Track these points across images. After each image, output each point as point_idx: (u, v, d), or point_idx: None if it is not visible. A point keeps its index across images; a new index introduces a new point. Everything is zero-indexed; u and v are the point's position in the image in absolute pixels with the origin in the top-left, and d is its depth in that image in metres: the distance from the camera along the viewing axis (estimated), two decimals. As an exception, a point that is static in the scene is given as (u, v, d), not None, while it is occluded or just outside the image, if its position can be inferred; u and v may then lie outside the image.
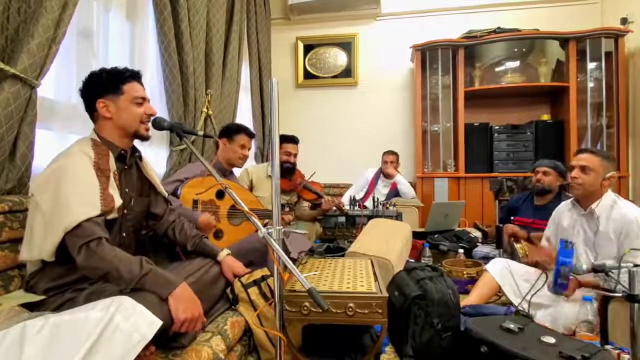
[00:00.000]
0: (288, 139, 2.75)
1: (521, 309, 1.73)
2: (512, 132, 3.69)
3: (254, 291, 1.44)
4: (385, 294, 1.30)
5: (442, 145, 3.85)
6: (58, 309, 1.07)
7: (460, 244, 2.77)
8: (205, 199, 1.91)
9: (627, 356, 1.31)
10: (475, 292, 1.93)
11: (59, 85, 1.65)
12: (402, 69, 4.18)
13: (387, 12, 4.16)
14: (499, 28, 3.64)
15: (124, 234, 1.29)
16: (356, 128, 4.25)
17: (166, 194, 1.52)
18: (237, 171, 2.52)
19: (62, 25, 1.41)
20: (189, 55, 2.36)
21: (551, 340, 1.27)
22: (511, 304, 1.84)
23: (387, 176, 3.54)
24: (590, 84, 3.48)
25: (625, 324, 1.27)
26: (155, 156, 2.26)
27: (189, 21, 2.38)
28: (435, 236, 2.89)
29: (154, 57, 2.27)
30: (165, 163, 2.33)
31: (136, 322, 0.90)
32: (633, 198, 3.30)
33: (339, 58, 4.28)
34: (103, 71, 1.25)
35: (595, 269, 1.39)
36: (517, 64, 3.72)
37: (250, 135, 2.25)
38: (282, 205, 2.60)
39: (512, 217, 2.57)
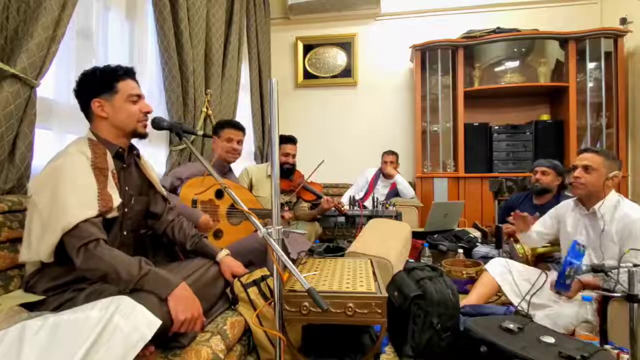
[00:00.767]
0: (286, 140, 2.73)
1: (521, 308, 1.73)
2: (512, 132, 3.69)
3: (253, 291, 1.44)
4: (385, 294, 1.30)
5: (441, 145, 3.85)
6: (57, 309, 1.07)
7: (460, 244, 2.77)
8: (204, 198, 1.91)
9: (626, 356, 1.31)
10: (474, 292, 1.93)
11: (59, 85, 1.64)
12: (402, 69, 4.18)
13: (386, 12, 4.16)
14: (498, 28, 3.64)
15: (125, 233, 1.29)
16: (356, 128, 4.25)
17: (165, 193, 1.52)
18: (237, 171, 2.52)
19: (62, 25, 1.40)
20: (188, 54, 2.35)
21: (551, 340, 1.27)
22: (511, 303, 1.84)
23: (387, 176, 3.54)
24: (590, 84, 3.48)
25: (624, 324, 1.27)
26: (154, 156, 2.26)
27: (188, 21, 2.38)
28: (435, 236, 2.89)
29: (153, 56, 2.27)
30: (165, 163, 2.33)
31: (135, 322, 0.89)
32: (632, 198, 3.30)
33: (338, 58, 4.28)
34: (96, 70, 1.24)
35: (594, 269, 1.39)
36: (516, 64, 3.72)
37: (236, 127, 2.20)
38: (282, 205, 2.60)
39: (509, 216, 2.56)
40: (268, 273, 1.53)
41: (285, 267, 1.12)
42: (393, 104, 4.20)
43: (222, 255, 1.48)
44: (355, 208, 3.01)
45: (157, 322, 0.93)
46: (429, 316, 1.51)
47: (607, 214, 1.68)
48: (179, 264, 1.42)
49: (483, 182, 3.62)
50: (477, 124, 3.74)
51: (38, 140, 1.41)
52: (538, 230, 2.02)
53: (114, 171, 1.22)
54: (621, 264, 1.30)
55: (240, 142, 2.21)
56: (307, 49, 4.32)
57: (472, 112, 3.84)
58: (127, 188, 1.30)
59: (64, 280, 1.12)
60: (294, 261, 1.75)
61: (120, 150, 1.27)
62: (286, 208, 2.49)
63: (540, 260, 2.24)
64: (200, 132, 1.52)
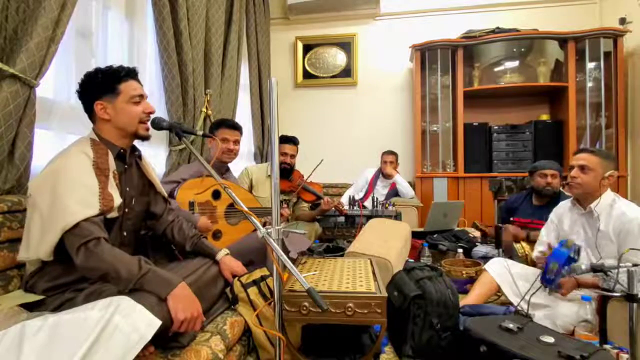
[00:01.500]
0: (285, 140, 2.72)
1: (520, 308, 1.73)
2: (511, 132, 3.69)
3: (253, 291, 1.44)
4: (385, 294, 1.30)
5: (441, 145, 3.85)
6: (57, 309, 1.07)
7: (460, 244, 2.77)
8: (201, 200, 1.91)
9: (625, 356, 1.31)
10: (474, 291, 1.94)
11: (58, 85, 1.64)
12: (401, 68, 4.18)
13: (386, 12, 4.16)
14: (498, 28, 3.64)
15: (125, 233, 1.29)
16: (355, 128, 4.25)
17: (165, 194, 1.52)
18: (237, 171, 2.52)
19: (61, 25, 1.40)
20: (188, 54, 2.35)
21: (550, 339, 1.27)
22: (510, 303, 1.84)
23: (387, 176, 3.54)
24: (589, 84, 3.49)
25: (624, 323, 1.27)
26: (154, 156, 2.26)
27: (188, 20, 2.38)
28: (435, 236, 2.89)
29: (153, 56, 2.27)
30: (165, 163, 2.33)
31: (135, 322, 0.89)
32: (632, 198, 3.30)
33: (338, 58, 4.28)
34: (98, 71, 1.23)
35: (594, 269, 1.39)
36: (516, 64, 3.72)
37: (232, 127, 2.16)
38: (280, 202, 2.60)
39: (511, 218, 2.57)
40: (268, 273, 1.53)
41: (284, 267, 1.12)
42: (392, 103, 4.20)
43: (222, 254, 1.48)
44: (355, 208, 3.01)
45: (156, 322, 0.93)
46: (429, 316, 1.51)
47: (603, 213, 1.69)
48: (179, 264, 1.42)
49: (483, 182, 3.62)
50: (476, 123, 3.75)
51: (37, 140, 1.41)
52: (546, 242, 2.00)
53: (115, 172, 1.22)
54: (620, 264, 1.30)
55: (237, 142, 2.16)
56: (307, 48, 4.32)
57: (472, 112, 3.84)
58: (127, 189, 1.30)
59: (64, 280, 1.12)
60: (293, 261, 1.75)
61: (122, 151, 1.27)
62: (284, 205, 2.49)
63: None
64: (200, 132, 1.51)
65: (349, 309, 1.26)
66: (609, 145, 3.45)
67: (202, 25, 2.55)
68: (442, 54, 3.74)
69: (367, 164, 3.85)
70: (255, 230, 1.10)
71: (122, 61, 1.96)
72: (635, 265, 1.28)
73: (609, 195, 1.72)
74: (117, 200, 1.17)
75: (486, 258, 2.37)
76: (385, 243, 2.22)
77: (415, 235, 2.92)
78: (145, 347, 0.91)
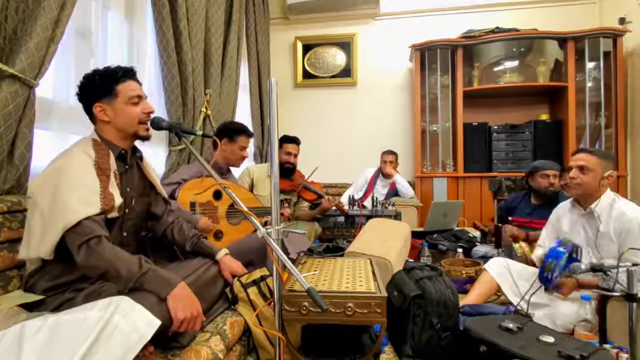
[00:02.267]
0: (289, 140, 2.75)
1: (520, 308, 1.73)
2: (511, 131, 3.69)
3: (253, 291, 1.44)
4: (385, 294, 1.30)
5: (441, 145, 3.86)
6: (57, 309, 1.07)
7: (459, 244, 2.77)
8: (202, 200, 1.91)
9: (625, 355, 1.31)
10: (474, 291, 1.94)
11: (58, 85, 1.64)
12: (401, 68, 4.18)
13: (385, 12, 4.16)
14: (497, 28, 3.64)
15: (125, 234, 1.29)
16: (355, 128, 4.25)
17: (166, 195, 1.52)
18: (237, 170, 2.52)
19: (61, 25, 1.40)
20: (187, 54, 2.35)
21: (550, 339, 1.27)
22: (510, 303, 1.84)
23: (386, 176, 3.55)
24: (589, 84, 3.49)
25: (623, 323, 1.27)
26: (154, 156, 2.26)
27: (187, 20, 2.37)
28: (434, 236, 2.89)
29: (152, 56, 2.27)
30: (164, 163, 2.33)
31: (135, 322, 0.89)
32: (632, 197, 3.31)
33: (337, 58, 4.28)
34: (95, 73, 1.23)
35: (593, 269, 1.39)
36: (515, 63, 3.72)
37: (250, 135, 2.25)
38: (281, 202, 2.60)
39: (509, 217, 2.57)
40: (267, 273, 1.53)
41: (284, 267, 1.12)
42: (392, 103, 4.20)
43: (222, 254, 1.48)
44: (355, 208, 3.01)
45: (156, 322, 0.93)
46: (429, 316, 1.51)
47: (603, 214, 1.69)
48: (179, 264, 1.42)
49: (482, 182, 3.62)
50: (476, 123, 3.75)
51: (37, 140, 1.41)
52: (547, 245, 2.01)
53: (116, 172, 1.22)
54: (620, 263, 1.30)
55: (247, 148, 2.26)
56: (307, 48, 4.32)
57: (471, 111, 3.84)
58: (128, 189, 1.30)
59: (64, 280, 1.12)
60: (293, 261, 1.75)
61: (123, 152, 1.27)
62: (285, 205, 2.49)
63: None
64: (200, 132, 1.51)
65: (349, 309, 1.26)
66: (608, 145, 3.46)
67: (201, 25, 2.55)
68: (441, 53, 3.74)
69: (366, 163, 3.85)
70: (255, 230, 1.10)
71: (121, 61, 1.96)
72: (634, 264, 1.28)
73: (608, 196, 1.72)
74: (118, 200, 1.17)
75: (486, 258, 2.37)
76: (385, 243, 2.22)
77: (415, 235, 2.92)
78: (145, 347, 0.91)
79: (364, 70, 4.23)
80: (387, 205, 3.03)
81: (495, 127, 3.71)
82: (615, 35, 3.38)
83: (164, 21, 2.17)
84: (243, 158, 2.21)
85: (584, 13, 3.78)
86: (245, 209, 1.12)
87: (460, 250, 2.65)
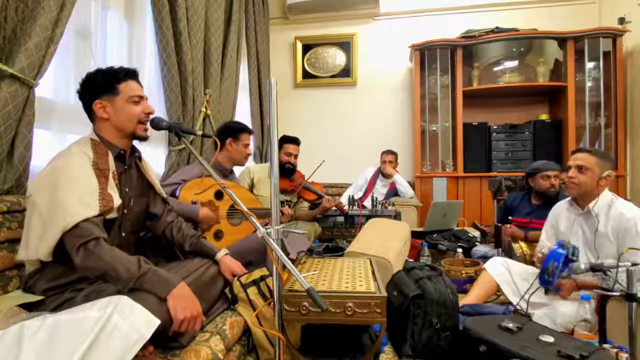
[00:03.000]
0: (290, 140, 2.75)
1: (520, 308, 1.73)
2: (511, 131, 3.70)
3: (252, 291, 1.44)
4: (384, 294, 1.30)
5: (440, 145, 3.86)
6: (56, 309, 1.07)
7: (459, 244, 2.77)
8: (204, 200, 1.91)
9: (625, 355, 1.32)
10: (473, 291, 1.94)
11: (57, 85, 1.64)
12: (401, 68, 4.18)
13: (385, 12, 4.16)
14: (497, 28, 3.65)
15: (123, 234, 1.29)
16: (355, 128, 4.25)
17: (165, 195, 1.52)
18: (237, 170, 2.52)
19: (60, 25, 1.40)
20: (187, 54, 2.35)
21: (550, 339, 1.27)
22: (510, 303, 1.84)
23: (386, 176, 3.55)
24: (589, 84, 3.49)
25: (623, 323, 1.27)
26: (153, 156, 2.26)
27: (187, 20, 2.37)
28: (434, 235, 2.90)
29: (152, 56, 2.27)
30: (164, 163, 2.33)
31: (134, 321, 0.89)
32: (631, 197, 3.31)
33: (337, 58, 4.28)
34: (99, 71, 1.24)
35: (593, 269, 1.39)
36: (515, 63, 3.72)
37: (251, 132, 2.26)
38: (282, 202, 2.60)
39: (509, 217, 2.57)
40: (267, 273, 1.53)
41: (284, 267, 1.12)
42: (392, 103, 4.20)
43: (221, 255, 1.48)
44: (355, 208, 3.01)
45: (155, 322, 0.92)
46: (428, 316, 1.51)
47: (601, 213, 1.69)
48: (178, 264, 1.42)
49: (482, 182, 3.63)
50: (476, 123, 3.75)
51: (37, 140, 1.41)
52: (549, 246, 2.01)
53: (114, 172, 1.22)
54: (620, 263, 1.30)
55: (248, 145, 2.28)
56: (306, 48, 4.32)
57: (471, 111, 3.84)
58: (127, 189, 1.29)
59: (63, 281, 1.12)
60: (293, 261, 1.75)
61: (121, 152, 1.27)
62: (286, 205, 2.49)
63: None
64: (200, 132, 1.51)
65: (349, 309, 1.27)
66: (608, 144, 3.46)
67: (201, 25, 2.55)
68: (441, 53, 3.74)
69: (366, 163, 3.85)
70: (255, 230, 1.10)
71: (121, 61, 1.97)
72: (634, 264, 1.28)
73: (607, 195, 1.72)
74: (117, 200, 1.17)
75: (485, 258, 2.37)
76: (385, 243, 2.22)
77: (414, 235, 2.92)
78: (144, 347, 0.91)
79: (363, 70, 4.24)
80: (387, 205, 3.03)
81: (495, 127, 3.72)
82: (614, 35, 3.38)
83: (163, 21, 2.17)
84: (248, 155, 2.23)
85: (583, 13, 3.79)
86: (245, 209, 1.12)
87: (459, 250, 2.65)
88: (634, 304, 1.23)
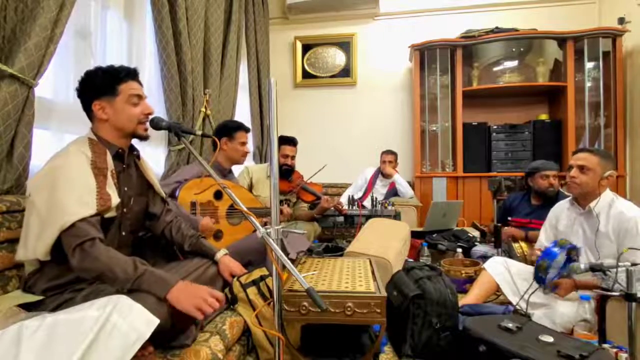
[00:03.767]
0: (286, 141, 2.72)
1: (519, 307, 1.73)
2: (510, 131, 3.70)
3: (252, 291, 1.44)
4: (384, 294, 1.30)
5: (440, 145, 3.86)
6: (56, 309, 1.07)
7: (459, 244, 2.77)
8: (203, 200, 1.91)
9: (624, 355, 1.32)
10: (473, 291, 1.94)
11: (57, 85, 1.64)
12: (401, 68, 4.18)
13: (385, 12, 4.16)
14: (496, 28, 3.65)
15: (123, 233, 1.29)
16: (355, 127, 4.25)
17: (164, 194, 1.51)
18: (236, 170, 2.52)
19: (60, 25, 1.40)
20: (187, 54, 2.35)
21: (549, 339, 1.27)
22: (509, 303, 1.84)
23: (386, 176, 3.55)
24: (588, 84, 3.49)
25: (623, 322, 1.28)
26: (153, 156, 2.26)
27: (187, 20, 2.37)
28: (434, 235, 2.90)
29: (151, 56, 2.27)
30: (164, 163, 2.33)
31: (133, 321, 0.89)
32: (631, 197, 3.31)
33: (337, 58, 4.28)
34: (98, 70, 1.23)
35: (592, 268, 1.39)
36: (515, 63, 3.72)
37: (247, 130, 2.25)
38: (280, 202, 2.60)
39: (509, 218, 2.57)
40: (267, 273, 1.53)
41: (284, 267, 1.12)
42: (392, 103, 4.20)
43: (221, 254, 1.47)
44: (354, 208, 3.01)
45: (155, 321, 0.92)
46: (428, 316, 1.51)
47: (602, 213, 1.69)
48: (178, 264, 1.42)
49: (482, 182, 3.63)
50: (475, 123, 3.75)
51: (36, 140, 1.40)
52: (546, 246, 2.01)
53: (113, 171, 1.22)
54: (619, 263, 1.30)
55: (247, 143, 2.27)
56: (306, 48, 4.32)
57: (471, 111, 3.84)
58: (125, 188, 1.29)
59: (63, 281, 1.12)
60: (292, 261, 1.75)
61: (120, 151, 1.27)
62: (285, 204, 2.49)
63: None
64: (199, 132, 1.51)
65: (349, 309, 1.27)
66: (608, 144, 3.46)
67: (201, 25, 2.55)
68: (441, 53, 3.74)
69: (366, 163, 3.85)
70: (255, 230, 1.10)
71: (121, 61, 1.96)
72: (633, 264, 1.28)
73: (607, 195, 1.72)
74: (115, 199, 1.17)
75: (485, 257, 2.37)
76: (385, 243, 2.22)
77: (414, 234, 2.92)
78: (144, 347, 0.91)
79: (363, 70, 4.24)
80: (386, 205, 3.03)
81: (495, 127, 3.72)
82: (614, 35, 3.38)
83: (163, 21, 2.17)
84: (246, 153, 2.22)
85: (583, 13, 3.79)
86: (245, 209, 1.12)
87: (459, 250, 2.65)
88: (634, 303, 1.24)
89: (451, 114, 3.82)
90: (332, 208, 2.81)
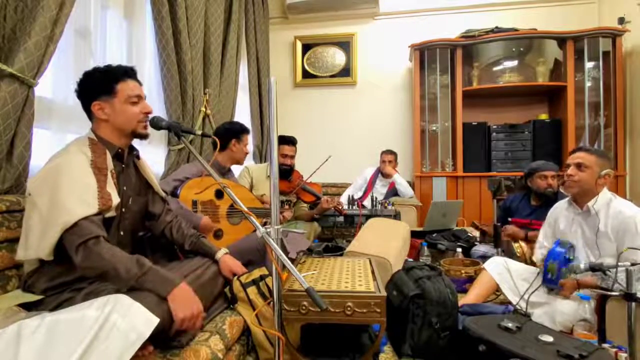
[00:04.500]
0: (284, 141, 2.71)
1: (519, 307, 1.74)
2: (510, 131, 3.70)
3: (252, 291, 1.44)
4: (384, 293, 1.30)
5: (440, 145, 3.86)
6: (56, 309, 1.07)
7: (459, 243, 2.77)
8: (204, 199, 1.91)
9: (624, 355, 1.32)
10: (473, 291, 1.94)
11: (57, 84, 1.64)
12: (401, 68, 4.18)
13: (385, 12, 4.16)
14: (496, 27, 3.65)
15: (122, 233, 1.29)
16: (354, 127, 4.25)
17: (163, 194, 1.51)
18: (236, 170, 2.52)
19: (60, 24, 1.40)
20: (187, 54, 2.35)
21: (549, 338, 1.27)
22: (509, 302, 1.84)
23: (386, 175, 3.55)
24: (588, 84, 3.49)
25: (622, 322, 1.28)
26: (153, 155, 2.26)
27: (187, 20, 2.37)
28: (434, 235, 2.90)
29: (151, 56, 2.27)
30: (164, 162, 2.33)
31: (133, 320, 0.89)
32: (630, 196, 3.31)
33: (337, 57, 4.28)
34: (96, 71, 1.23)
35: (593, 268, 1.40)
36: (515, 63, 3.72)
37: (249, 132, 2.29)
38: (282, 203, 2.60)
39: (509, 219, 2.57)
40: (267, 272, 1.53)
41: (284, 267, 1.12)
42: (392, 103, 4.20)
43: (221, 254, 1.48)
44: (354, 207, 3.01)
45: (154, 321, 0.92)
46: (428, 315, 1.51)
47: (601, 212, 1.69)
48: (178, 263, 1.42)
49: (482, 182, 3.63)
50: (475, 123, 3.75)
51: (36, 140, 1.40)
52: (546, 246, 2.01)
53: (112, 171, 1.22)
54: (619, 263, 1.30)
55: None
56: (306, 48, 4.32)
57: (471, 111, 3.84)
58: (125, 188, 1.29)
59: (63, 280, 1.12)
60: (292, 261, 1.75)
61: (120, 150, 1.27)
62: (286, 206, 2.49)
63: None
64: (199, 132, 1.51)
65: (348, 309, 1.27)
66: (607, 144, 3.46)
67: (201, 25, 2.55)
68: (441, 53, 3.74)
69: (366, 163, 3.85)
70: (255, 230, 1.10)
71: (120, 60, 1.96)
72: (633, 264, 1.28)
73: (605, 194, 1.72)
74: (115, 199, 1.17)
75: (485, 257, 2.37)
76: (385, 242, 2.22)
77: (414, 234, 2.92)
78: (143, 346, 0.91)
79: (363, 70, 4.23)
80: (386, 204, 3.03)
81: (495, 127, 3.72)
82: (614, 35, 3.38)
83: (163, 20, 2.17)
84: (247, 154, 2.26)
85: (583, 13, 3.79)
86: (245, 209, 1.12)
87: (459, 249, 2.65)
88: (633, 303, 1.24)
89: (451, 114, 3.82)
90: (332, 209, 2.81)
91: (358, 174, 3.76)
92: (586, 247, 1.74)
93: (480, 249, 2.71)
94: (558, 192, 2.43)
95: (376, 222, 2.62)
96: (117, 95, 1.22)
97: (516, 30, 3.57)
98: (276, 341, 1.15)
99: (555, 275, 1.56)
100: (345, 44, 4.25)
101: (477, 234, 2.97)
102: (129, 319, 0.89)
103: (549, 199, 2.39)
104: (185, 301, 1.06)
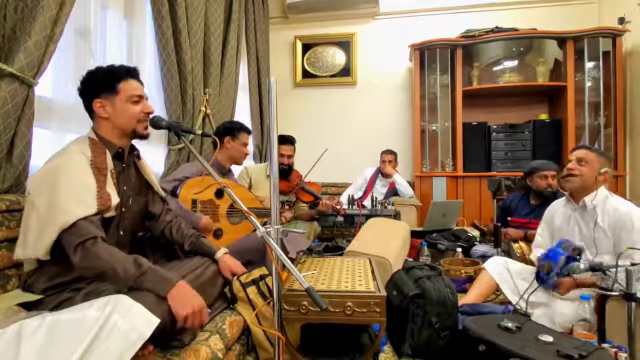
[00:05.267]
0: (283, 140, 2.70)
1: (519, 307, 1.74)
2: (510, 131, 3.70)
3: (252, 290, 1.44)
4: (384, 293, 1.30)
5: (440, 145, 3.86)
6: (55, 308, 1.07)
7: (459, 243, 2.77)
8: (204, 198, 1.91)
9: (624, 355, 1.32)
10: (473, 290, 1.94)
11: (57, 84, 1.64)
12: (401, 68, 4.18)
13: (385, 11, 4.16)
14: (496, 27, 3.64)
15: (122, 233, 1.29)
16: (354, 127, 4.25)
17: (163, 194, 1.51)
18: (236, 170, 2.52)
19: (60, 24, 1.40)
20: (187, 53, 2.35)
21: (549, 338, 1.27)
22: (509, 302, 1.84)
23: (386, 175, 3.55)
24: (588, 84, 3.49)
25: (622, 322, 1.28)
26: (153, 155, 2.26)
27: (187, 19, 2.37)
28: (434, 235, 2.90)
29: (151, 55, 2.27)
30: (164, 162, 2.33)
31: (133, 320, 0.89)
32: (630, 196, 3.31)
33: (337, 57, 4.27)
34: (99, 70, 1.24)
35: (592, 268, 1.40)
36: (515, 63, 3.72)
37: (249, 132, 2.27)
38: (282, 203, 2.60)
39: (508, 218, 2.57)
40: (267, 272, 1.53)
41: (284, 267, 1.12)
42: (392, 103, 4.20)
43: (221, 253, 1.48)
44: (354, 207, 3.01)
45: (155, 321, 0.92)
46: (428, 315, 1.51)
47: (597, 208, 1.71)
48: (178, 263, 1.42)
49: (482, 181, 3.62)
50: (475, 123, 3.75)
51: (36, 139, 1.40)
52: (545, 245, 2.02)
53: (112, 171, 1.22)
54: (619, 263, 1.30)
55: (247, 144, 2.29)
56: (306, 48, 4.32)
57: (471, 111, 3.84)
58: (125, 188, 1.29)
59: (63, 280, 1.12)
60: (292, 260, 1.75)
61: (120, 150, 1.27)
62: (286, 207, 2.49)
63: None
64: (199, 132, 1.52)
65: (348, 308, 1.27)
66: (607, 144, 3.46)
67: (201, 24, 2.55)
68: (441, 53, 3.74)
69: (366, 163, 3.85)
70: (255, 229, 1.10)
71: (120, 60, 1.96)
72: (633, 264, 1.28)
73: (602, 192, 1.75)
74: (115, 199, 1.17)
75: (485, 257, 2.37)
76: (385, 242, 2.22)
77: (414, 234, 2.92)
78: (144, 346, 0.91)
79: (363, 70, 4.23)
80: (386, 204, 3.03)
81: (495, 127, 3.72)
82: (614, 35, 3.38)
83: (163, 20, 2.17)
84: (245, 155, 2.24)
85: (583, 13, 3.79)
86: (245, 208, 1.12)
87: (459, 249, 2.65)
88: (633, 303, 1.24)
89: (451, 114, 3.82)
90: (331, 210, 2.80)
91: (358, 173, 3.76)
92: (583, 244, 1.74)
93: (480, 248, 2.71)
94: (557, 191, 2.43)
95: (376, 222, 2.62)
96: (118, 93, 1.23)
97: (516, 30, 3.57)
98: (276, 341, 1.15)
99: (546, 273, 1.57)
100: (345, 44, 4.25)
101: (477, 233, 2.97)
102: (129, 320, 0.89)
103: (548, 199, 2.39)
104: (185, 298, 1.06)
